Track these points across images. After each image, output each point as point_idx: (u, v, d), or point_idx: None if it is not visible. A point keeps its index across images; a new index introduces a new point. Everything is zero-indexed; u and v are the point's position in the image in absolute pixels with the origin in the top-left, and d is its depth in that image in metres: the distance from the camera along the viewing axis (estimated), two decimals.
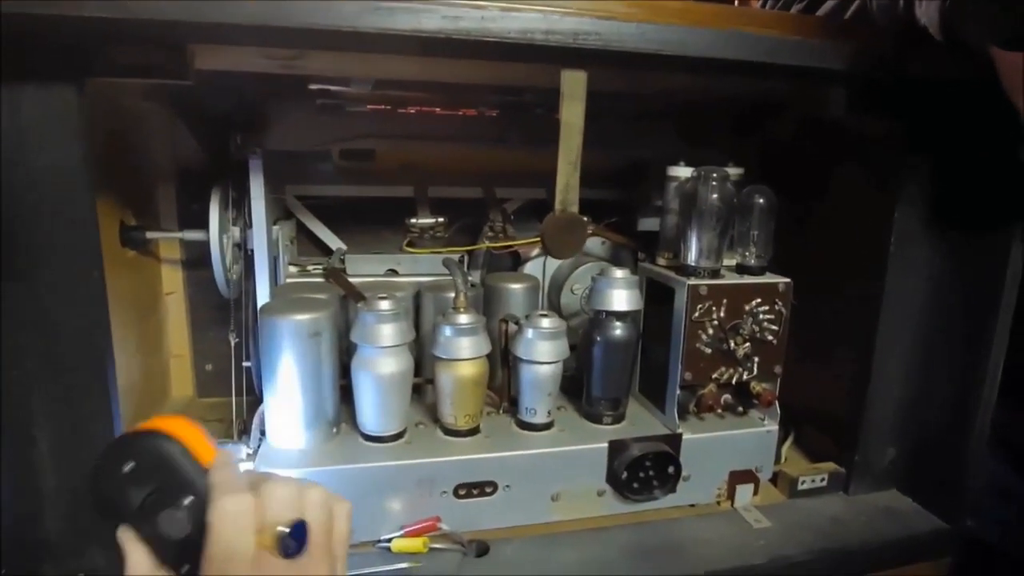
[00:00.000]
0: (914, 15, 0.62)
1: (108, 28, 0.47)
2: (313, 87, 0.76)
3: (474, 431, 0.74)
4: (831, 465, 0.85)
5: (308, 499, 0.41)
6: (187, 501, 0.38)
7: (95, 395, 0.59)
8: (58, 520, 0.59)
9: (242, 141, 0.78)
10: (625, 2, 0.52)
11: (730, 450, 0.78)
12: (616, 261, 0.96)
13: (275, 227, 0.83)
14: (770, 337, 0.76)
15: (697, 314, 0.73)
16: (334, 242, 0.98)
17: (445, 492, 0.69)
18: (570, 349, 0.76)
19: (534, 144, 0.99)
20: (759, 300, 0.75)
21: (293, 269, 0.86)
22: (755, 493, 0.80)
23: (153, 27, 0.48)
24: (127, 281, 0.83)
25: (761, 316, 0.75)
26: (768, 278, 0.77)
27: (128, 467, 0.38)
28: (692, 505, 0.78)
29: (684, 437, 0.75)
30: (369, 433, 0.71)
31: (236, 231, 0.83)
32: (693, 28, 0.53)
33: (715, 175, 0.74)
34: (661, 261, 0.82)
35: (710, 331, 0.74)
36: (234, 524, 0.38)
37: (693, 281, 0.73)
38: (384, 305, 0.68)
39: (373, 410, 0.70)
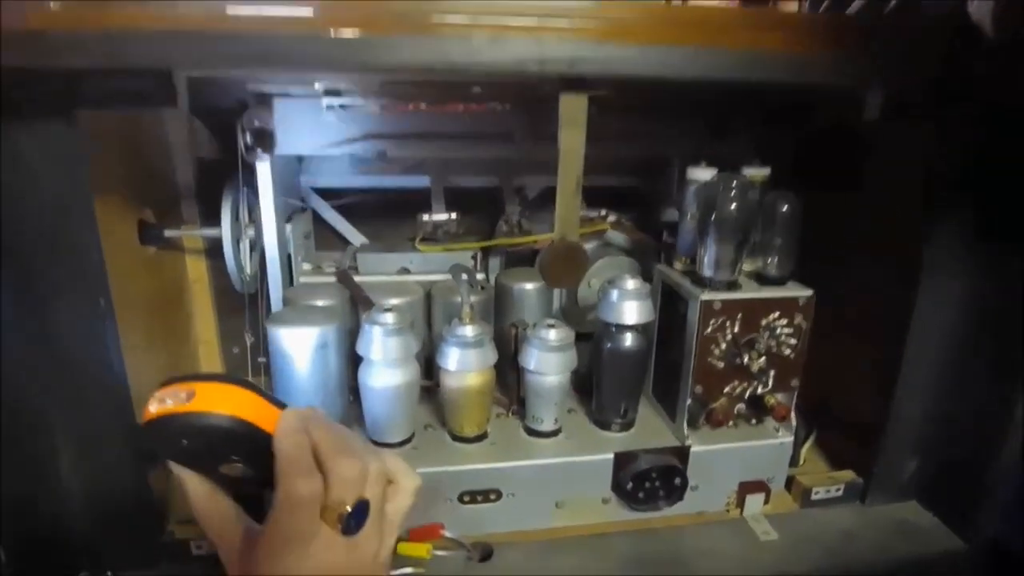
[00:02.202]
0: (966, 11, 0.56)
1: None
2: (319, 87, 0.74)
3: (481, 437, 0.75)
4: (849, 474, 0.83)
5: (371, 473, 0.41)
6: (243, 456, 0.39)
7: (113, 411, 0.62)
8: (83, 522, 0.63)
9: (251, 141, 0.77)
10: (627, 20, 0.48)
11: (741, 461, 0.77)
12: (637, 254, 0.94)
13: (288, 225, 0.83)
14: (788, 352, 0.73)
15: (709, 329, 0.71)
16: (352, 234, 0.98)
17: (450, 499, 0.71)
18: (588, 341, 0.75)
19: (548, 138, 0.95)
20: (777, 314, 0.72)
21: (307, 267, 0.87)
22: (766, 503, 0.79)
23: (141, 60, 0.47)
24: (150, 277, 0.85)
25: (779, 330, 0.72)
26: (788, 290, 0.73)
27: (184, 443, 0.37)
28: (700, 513, 0.78)
29: (693, 449, 0.74)
30: (376, 440, 0.73)
31: (251, 230, 0.84)
32: (701, 49, 0.49)
33: (735, 183, 0.70)
34: (678, 265, 0.79)
35: (723, 346, 0.72)
36: (302, 508, 0.38)
37: (707, 296, 0.70)
38: (388, 319, 0.68)
39: (378, 420, 0.72)
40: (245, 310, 0.82)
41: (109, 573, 0.64)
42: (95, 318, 0.59)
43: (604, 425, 0.77)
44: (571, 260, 0.63)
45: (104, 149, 0.72)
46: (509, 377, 0.80)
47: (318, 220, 0.98)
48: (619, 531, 0.75)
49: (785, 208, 0.73)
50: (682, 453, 0.74)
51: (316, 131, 0.77)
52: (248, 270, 0.86)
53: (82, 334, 0.59)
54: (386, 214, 0.99)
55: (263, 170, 0.75)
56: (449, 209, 0.90)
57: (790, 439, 0.77)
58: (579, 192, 0.59)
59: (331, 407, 0.71)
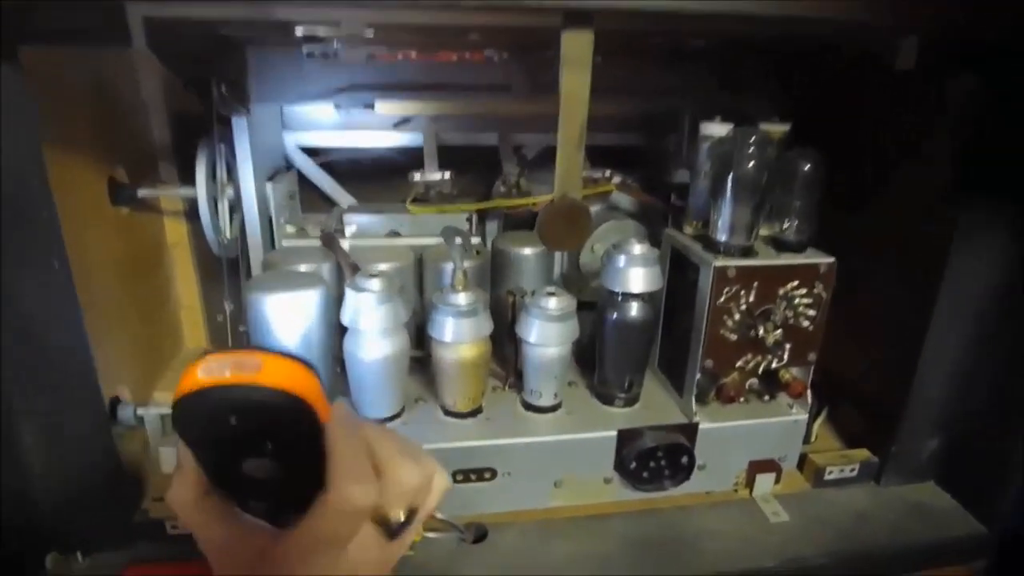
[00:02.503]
0: None
1: None
2: (300, 33, 0.67)
3: (475, 412, 0.70)
4: (864, 453, 0.79)
5: (428, 482, 0.38)
6: (277, 449, 0.32)
7: (76, 383, 0.57)
8: (51, 503, 0.59)
9: (227, 92, 0.71)
10: None
11: (752, 439, 0.72)
12: (644, 217, 0.88)
13: (269, 184, 0.77)
14: (805, 323, 0.68)
15: (723, 299, 0.65)
16: (339, 195, 0.92)
17: None
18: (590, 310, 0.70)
19: (550, 90, 0.89)
20: (796, 283, 0.66)
21: (291, 230, 0.81)
22: (776, 482, 0.75)
23: None
24: (123, 240, 0.80)
25: (797, 300, 0.67)
26: (808, 257, 0.67)
27: (232, 421, 0.31)
28: (707, 493, 0.74)
29: (701, 427, 0.70)
30: (364, 414, 0.68)
31: (231, 190, 0.78)
32: None
33: (753, 138, 0.63)
34: (688, 230, 0.74)
35: (737, 317, 0.66)
36: (351, 517, 0.34)
37: (720, 262, 0.64)
38: (374, 285, 0.62)
39: (365, 394, 0.67)
40: (224, 275, 0.77)
41: (78, 554, 0.60)
42: (51, 282, 0.54)
43: (607, 400, 0.73)
44: (573, 220, 0.58)
45: (66, 100, 0.66)
46: (506, 348, 0.75)
47: (304, 180, 0.91)
48: (621, 512, 0.71)
49: (807, 167, 0.67)
50: (690, 430, 0.70)
51: (297, 82, 0.71)
52: (228, 233, 0.80)
53: (36, 299, 0.53)
54: (376, 174, 0.93)
55: (239, 125, 0.69)
56: (443, 168, 0.84)
57: (804, 417, 0.73)
58: (582, 144, 0.53)
59: None
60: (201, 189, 0.74)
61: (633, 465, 0.68)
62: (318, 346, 0.66)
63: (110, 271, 0.75)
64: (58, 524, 0.60)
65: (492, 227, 0.94)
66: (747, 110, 0.73)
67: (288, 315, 0.63)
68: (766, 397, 0.72)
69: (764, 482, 0.74)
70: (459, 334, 0.65)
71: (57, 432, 0.58)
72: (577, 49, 0.47)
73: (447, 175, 0.83)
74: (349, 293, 0.63)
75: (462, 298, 0.65)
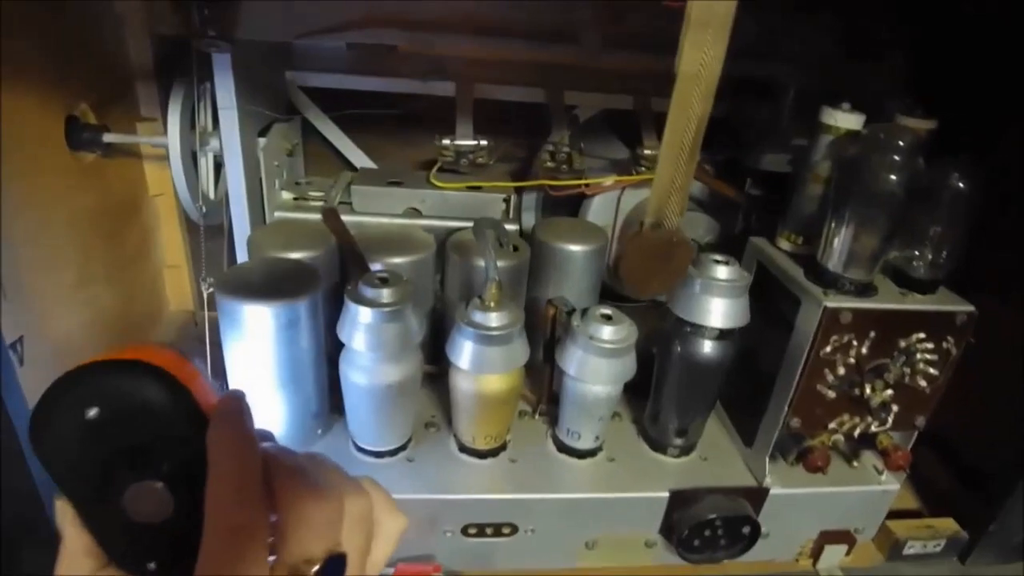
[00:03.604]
0: None
1: None
2: None
3: (498, 451, 0.57)
4: (951, 525, 0.65)
5: (351, 516, 0.28)
6: (166, 469, 0.25)
7: None
8: None
9: (208, 16, 0.55)
10: None
11: (829, 508, 0.60)
12: (717, 212, 0.72)
13: (262, 140, 0.62)
14: (923, 383, 0.53)
15: (829, 349, 0.51)
16: (351, 152, 0.76)
17: (450, 532, 0.55)
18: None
19: (627, 47, 0.71)
20: (923, 335, 0.51)
21: (288, 196, 0.66)
22: (847, 554, 0.63)
23: None
24: (89, 191, 0.66)
25: (919, 356, 0.52)
26: (941, 302, 0.52)
27: (92, 413, 0.24)
28: (768, 561, 0.62)
29: (772, 491, 0.57)
30: (361, 446, 0.56)
31: (216, 141, 0.63)
32: None
33: (903, 144, 0.47)
34: (784, 244, 0.58)
35: (841, 371, 0.52)
36: (235, 547, 0.24)
37: (833, 302, 0.49)
38: (382, 297, 0.48)
39: (364, 424, 0.54)
40: (201, 250, 0.63)
41: None
42: None
43: (658, 446, 0.60)
44: (667, 258, 0.43)
45: (8, 13, 0.51)
46: (538, 362, 0.61)
47: (309, 133, 0.76)
48: None
49: (962, 185, 0.51)
50: (758, 496, 0.57)
51: (299, 10, 0.55)
52: (212, 195, 0.66)
53: None
54: (397, 130, 0.77)
55: (221, 62, 0.53)
56: (479, 128, 0.68)
57: (896, 487, 0.60)
58: (696, 152, 0.37)
59: (302, 404, 0.54)
60: (174, 140, 0.59)
61: (685, 533, 0.56)
62: (307, 364, 0.53)
63: (73, 226, 0.62)
64: None
65: (528, 200, 0.78)
66: (875, 92, 0.56)
67: (267, 327, 0.49)
68: (854, 463, 0.59)
69: (832, 554, 0.62)
70: (484, 364, 0.51)
71: None
72: (711, 10, 0.31)
73: (484, 142, 0.67)
74: (349, 305, 0.49)
75: (493, 319, 0.50)
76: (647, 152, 0.70)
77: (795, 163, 0.60)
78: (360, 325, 0.48)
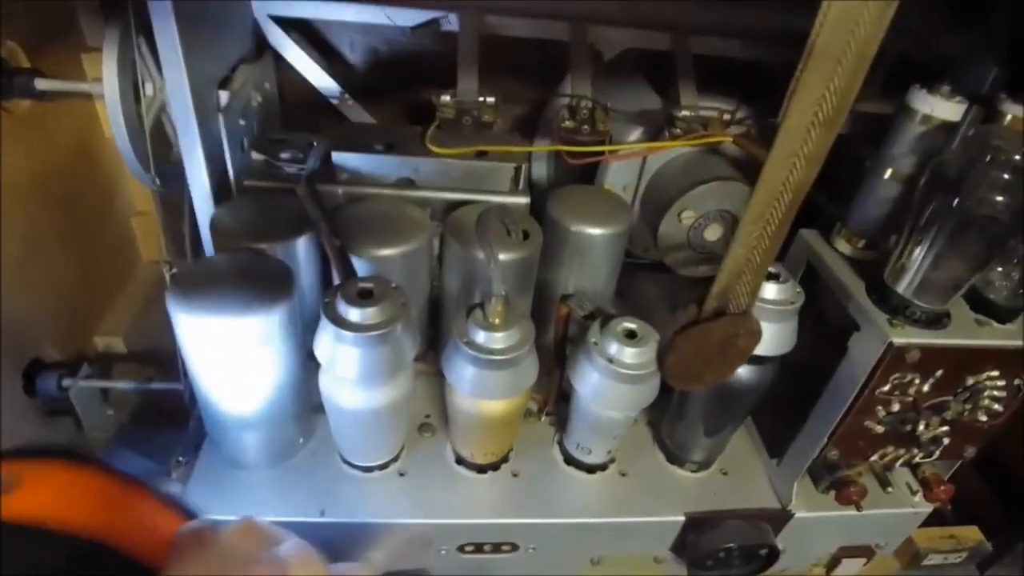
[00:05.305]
0: None
1: None
2: None
3: (498, 465, 0.52)
4: (974, 534, 0.62)
5: None
6: None
7: None
8: None
9: None
10: None
11: (854, 528, 0.55)
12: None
13: (224, 94, 0.51)
14: (984, 418, 0.47)
15: (887, 388, 0.44)
16: (341, 103, 0.65)
17: (445, 550, 0.51)
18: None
19: None
20: (996, 372, 0.44)
21: (257, 157, 0.56)
22: (864, 565, 0.59)
23: None
24: (23, 144, 0.56)
25: (986, 392, 0.45)
26: (1018, 336, 0.44)
27: None
28: (781, 570, 0.59)
29: (796, 515, 0.52)
30: (349, 461, 0.50)
31: (163, 96, 0.52)
32: None
33: (1020, 157, 0.37)
34: (842, 244, 0.49)
35: (895, 408, 0.45)
36: None
37: (900, 337, 0.42)
38: (367, 317, 0.40)
39: (350, 442, 0.48)
40: (158, 225, 0.54)
41: None
42: None
43: (675, 459, 0.54)
44: (727, 346, 0.34)
45: None
46: (544, 358, 0.54)
47: (285, 69, 0.64)
48: None
49: None
50: (780, 519, 0.52)
51: None
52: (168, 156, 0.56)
53: None
54: (391, 71, 0.66)
55: (160, 10, 0.42)
56: (484, 74, 0.57)
57: (928, 510, 0.55)
58: (787, 228, 0.28)
59: (280, 427, 0.48)
60: (111, 89, 0.48)
61: (698, 558, 0.52)
62: (286, 384, 0.46)
63: (10, 192, 0.53)
64: None
65: (540, 166, 0.69)
66: (966, 69, 0.45)
67: (236, 345, 0.42)
68: (889, 489, 0.54)
69: (849, 566, 0.59)
70: (487, 389, 0.44)
71: None
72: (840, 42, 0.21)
73: (490, 99, 0.56)
74: (324, 324, 0.41)
75: (498, 340, 0.43)
76: (684, 113, 0.59)
77: (861, 146, 0.49)
78: (341, 350, 0.41)
